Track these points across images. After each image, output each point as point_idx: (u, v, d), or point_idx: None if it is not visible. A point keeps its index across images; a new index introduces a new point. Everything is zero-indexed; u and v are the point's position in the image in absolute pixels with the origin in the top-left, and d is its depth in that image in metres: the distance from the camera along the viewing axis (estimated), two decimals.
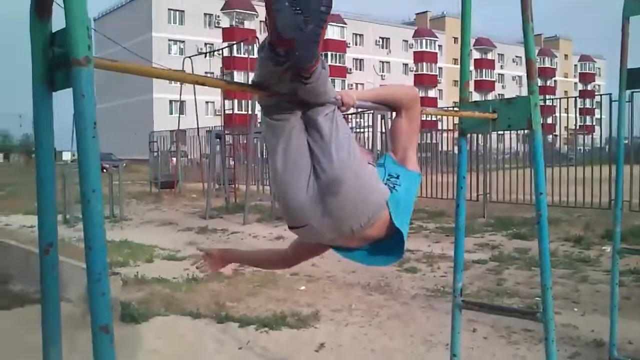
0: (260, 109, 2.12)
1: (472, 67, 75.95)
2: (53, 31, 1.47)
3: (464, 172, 2.93)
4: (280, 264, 2.90)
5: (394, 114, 2.49)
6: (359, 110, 13.15)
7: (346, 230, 2.13)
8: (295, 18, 1.79)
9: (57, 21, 1.47)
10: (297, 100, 2.02)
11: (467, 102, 2.89)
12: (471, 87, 74.04)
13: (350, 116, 16.25)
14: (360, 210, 2.09)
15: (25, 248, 6.34)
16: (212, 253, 2.82)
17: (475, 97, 68.53)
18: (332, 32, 63.76)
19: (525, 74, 2.73)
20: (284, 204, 2.12)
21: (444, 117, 16.82)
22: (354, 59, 67.58)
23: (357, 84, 62.09)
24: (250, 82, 2.06)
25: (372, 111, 11.70)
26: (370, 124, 13.75)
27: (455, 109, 3.01)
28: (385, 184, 2.25)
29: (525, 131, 2.83)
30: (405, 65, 72.59)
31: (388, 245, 2.26)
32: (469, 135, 11.24)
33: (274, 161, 2.08)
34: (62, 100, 1.73)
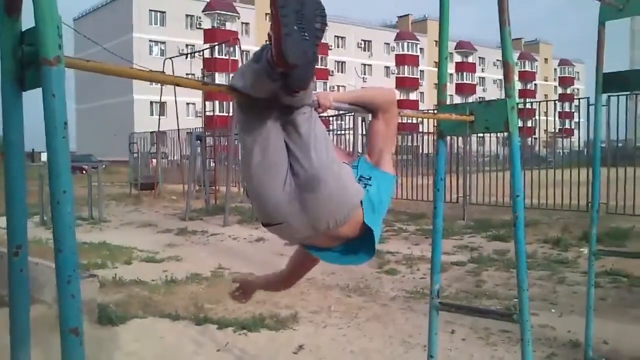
0: (236, 106, 2.11)
1: (453, 70, 76.43)
2: (23, 29, 1.45)
3: (442, 174, 2.95)
4: (280, 286, 2.97)
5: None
6: (340, 112, 13.17)
7: (322, 227, 2.13)
8: (302, 44, 1.78)
9: (28, 19, 1.45)
10: (275, 101, 2.02)
11: (445, 104, 2.91)
12: (452, 90, 74.51)
13: (331, 118, 16.27)
14: (336, 208, 2.09)
15: (0, 251, 6.26)
16: (242, 284, 2.97)
17: (457, 99, 68.95)
18: None
19: None
20: (260, 202, 2.11)
21: (425, 120, 16.89)
22: (335, 61, 67.66)
23: (338, 86, 62.18)
24: (229, 84, 2.04)
25: (352, 113, 11.71)
26: (352, 126, 13.77)
27: (434, 111, 3.02)
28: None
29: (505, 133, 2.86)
30: (387, 68, 72.86)
31: (360, 244, 2.27)
32: (448, 138, 11.29)
33: (250, 159, 2.06)
34: (40, 99, 1.70)
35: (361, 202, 2.19)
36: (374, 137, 2.44)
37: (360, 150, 12.63)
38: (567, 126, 43.33)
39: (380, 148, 2.41)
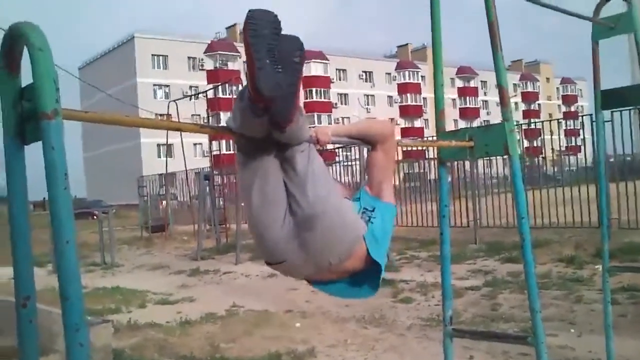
0: (236, 148, 2.14)
1: (455, 96, 76.75)
2: (22, 85, 1.49)
3: (446, 201, 2.95)
4: None
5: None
6: (347, 145, 13.23)
7: (324, 264, 2.13)
8: (276, 76, 1.82)
9: (27, 75, 1.49)
10: (272, 140, 2.04)
11: (444, 131, 2.93)
12: (456, 115, 74.76)
13: (338, 150, 16.34)
14: (336, 245, 2.10)
15: (13, 301, 6.25)
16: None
17: (461, 124, 69.13)
18: (315, 69, 64.44)
19: (511, 99, 2.78)
20: (260, 241, 2.13)
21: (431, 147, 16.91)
22: (338, 93, 68.14)
23: (342, 118, 62.52)
24: (225, 124, 2.08)
25: (357, 145, 11.76)
26: (358, 157, 13.82)
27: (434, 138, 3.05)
28: (361, 217, 2.26)
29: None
30: (390, 97, 73.26)
31: (365, 277, 2.26)
32: (455, 163, 11.21)
33: (249, 198, 2.09)
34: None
35: (364, 236, 2.20)
36: (373, 169, 2.46)
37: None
38: (574, 144, 43.28)
39: (379, 180, 2.43)
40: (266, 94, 1.79)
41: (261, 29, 1.82)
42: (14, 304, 1.53)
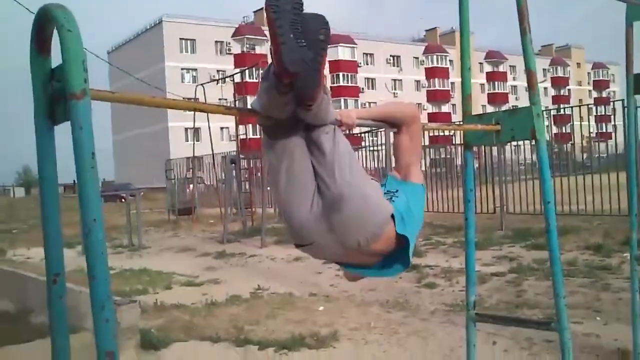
0: (261, 130, 2.15)
1: (484, 80, 75.85)
2: (52, 67, 1.52)
3: (471, 185, 2.93)
4: None
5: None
6: (372, 129, 13.18)
7: (352, 245, 2.13)
8: (300, 50, 1.83)
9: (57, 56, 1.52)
10: (298, 121, 2.05)
11: (470, 115, 2.91)
12: (485, 101, 73.89)
13: (364, 134, 16.30)
14: (365, 225, 2.10)
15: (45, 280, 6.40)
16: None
17: (490, 109, 68.32)
18: (342, 53, 64.15)
19: (540, 84, 2.74)
20: (289, 223, 2.14)
21: (458, 132, 16.78)
22: (365, 78, 67.80)
23: (369, 102, 62.24)
24: (250, 107, 2.09)
25: (383, 129, 11.72)
26: (384, 142, 13.77)
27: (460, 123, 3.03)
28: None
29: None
30: (417, 81, 72.66)
31: (396, 256, 2.26)
32: (482, 149, 11.10)
33: (277, 181, 2.10)
34: None
35: (392, 215, 2.19)
36: (399, 152, 2.45)
37: (393, 166, 12.61)
38: (605, 130, 42.55)
39: (407, 162, 2.42)
40: (290, 68, 1.80)
41: (283, 5, 1.83)
42: (44, 283, 1.58)
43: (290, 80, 1.87)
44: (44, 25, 1.45)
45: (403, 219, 2.20)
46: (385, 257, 2.26)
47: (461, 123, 2.97)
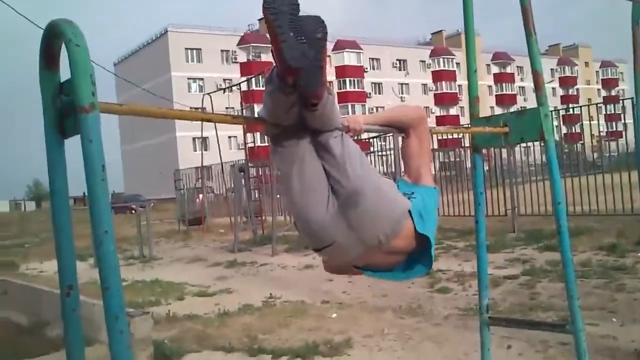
0: (269, 139, 2.15)
1: (492, 82, 75.70)
2: (61, 81, 1.53)
3: (481, 188, 2.93)
4: None
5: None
6: (380, 133, 13.17)
7: (373, 242, 2.12)
8: (300, 47, 1.85)
9: (65, 70, 1.53)
10: (304, 127, 2.06)
11: (477, 117, 2.90)
12: (492, 102, 73.72)
13: (373, 140, 16.29)
14: (383, 219, 2.10)
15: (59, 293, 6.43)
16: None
17: (498, 111, 68.10)
18: (349, 58, 64.24)
19: (548, 85, 2.73)
20: (306, 227, 2.14)
21: (466, 135, 16.75)
22: (372, 83, 67.85)
23: (377, 107, 62.24)
24: (257, 115, 2.09)
25: (391, 134, 11.71)
26: (393, 146, 13.76)
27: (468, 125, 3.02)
28: None
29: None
30: (424, 85, 72.60)
31: (417, 257, 2.25)
32: (492, 151, 11.04)
33: (290, 187, 2.10)
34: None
35: (410, 211, 2.19)
36: (408, 156, 2.45)
37: (402, 171, 12.59)
38: (615, 129, 42.32)
39: (417, 165, 2.42)
40: (293, 64, 1.82)
41: (280, 6, 1.86)
42: (59, 296, 1.58)
43: (294, 78, 1.89)
44: (52, 40, 1.46)
45: (422, 217, 2.20)
46: (407, 257, 2.26)
47: (469, 126, 2.97)
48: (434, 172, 17.39)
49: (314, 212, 2.08)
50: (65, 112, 1.49)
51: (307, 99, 1.96)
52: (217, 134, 18.77)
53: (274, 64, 1.93)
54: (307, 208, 2.09)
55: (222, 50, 59.76)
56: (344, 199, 2.06)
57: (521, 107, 70.86)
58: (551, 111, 2.84)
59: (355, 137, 2.27)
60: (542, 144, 2.75)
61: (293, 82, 1.90)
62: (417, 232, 2.19)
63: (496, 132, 2.79)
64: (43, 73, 1.53)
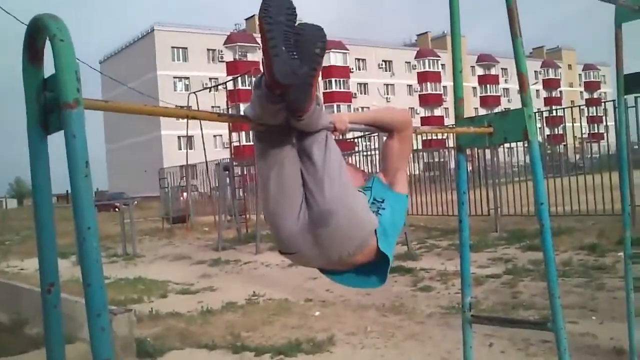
0: (254, 135, 2.15)
1: (476, 84, 76.13)
2: (45, 76, 1.52)
3: (464, 188, 2.94)
4: None
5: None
6: (366, 133, 13.20)
7: (334, 258, 2.16)
8: (291, 63, 1.82)
9: (49, 66, 1.52)
10: (290, 128, 2.05)
11: (462, 118, 2.92)
12: (477, 104, 74.16)
13: (358, 139, 16.32)
14: (349, 240, 2.12)
15: (40, 291, 6.37)
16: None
17: (482, 112, 68.48)
18: (335, 58, 64.28)
19: (532, 87, 2.76)
20: (275, 231, 2.15)
21: (451, 135, 16.84)
22: (358, 83, 67.96)
23: (362, 107, 62.35)
24: (243, 113, 2.09)
25: (377, 134, 11.75)
26: (377, 146, 13.80)
27: (452, 126, 3.03)
28: (370, 208, 2.27)
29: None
30: (410, 86, 72.85)
31: (373, 267, 2.28)
32: (476, 151, 11.11)
33: (266, 188, 2.09)
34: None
35: (375, 231, 2.20)
36: (389, 157, 2.45)
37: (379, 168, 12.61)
38: (597, 131, 42.77)
39: (395, 167, 2.43)
40: (282, 81, 1.79)
41: (276, 16, 1.82)
42: (39, 294, 1.57)
43: (282, 91, 1.87)
44: (36, 35, 1.45)
45: (386, 234, 2.23)
46: (363, 265, 2.28)
47: (454, 126, 2.99)
48: (417, 173, 17.48)
49: (285, 219, 2.09)
50: (49, 108, 1.48)
51: (293, 111, 1.96)
52: (202, 132, 18.71)
53: (263, 71, 1.90)
54: (280, 214, 2.09)
55: (208, 49, 59.52)
56: (315, 216, 2.06)
57: (505, 108, 71.32)
58: (535, 113, 2.87)
59: (340, 136, 2.27)
60: (526, 145, 2.77)
61: (280, 94, 1.89)
62: (379, 249, 2.21)
63: (480, 132, 2.81)
64: (26, 68, 1.52)
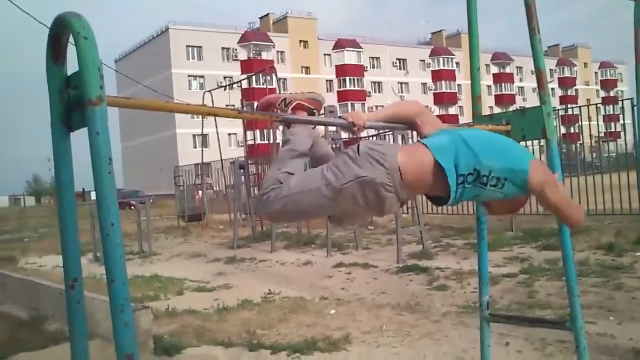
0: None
1: (491, 82, 75.72)
2: (68, 74, 1.54)
3: None
4: None
5: (414, 134, 2.55)
6: (380, 131, 13.17)
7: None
8: None
9: (72, 63, 1.54)
10: None
11: (480, 115, 2.91)
12: (492, 102, 73.75)
13: (373, 138, 16.27)
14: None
15: (59, 287, 6.44)
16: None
17: (496, 110, 68.16)
18: (349, 57, 64.27)
19: (548, 85, 2.74)
20: None
21: None
22: (372, 82, 67.89)
23: (376, 106, 62.24)
24: (266, 112, 2.10)
25: (391, 132, 11.73)
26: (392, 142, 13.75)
27: (470, 124, 3.02)
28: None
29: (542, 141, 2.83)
30: (424, 84, 72.64)
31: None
32: None
33: None
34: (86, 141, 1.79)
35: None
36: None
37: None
38: (614, 129, 42.37)
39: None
40: None
41: None
42: (58, 290, 1.59)
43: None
44: (60, 34, 1.47)
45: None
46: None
47: (471, 124, 2.98)
48: None
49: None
50: (72, 105, 1.50)
51: None
52: (217, 131, 18.77)
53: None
54: None
55: (222, 48, 59.72)
56: None
57: (520, 107, 70.81)
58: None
59: (359, 135, 2.29)
60: (541, 143, 2.76)
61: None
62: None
63: (498, 130, 2.80)
64: (50, 66, 1.54)
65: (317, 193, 2.09)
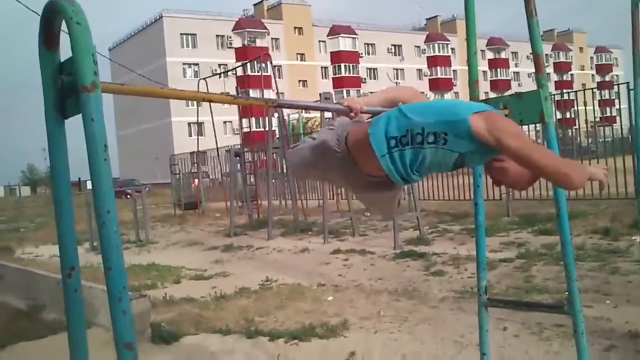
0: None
1: (486, 67, 75.60)
2: (61, 60, 1.52)
3: (480, 170, 2.93)
4: None
5: None
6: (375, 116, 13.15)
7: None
8: None
9: (65, 50, 1.52)
10: None
11: (477, 100, 2.90)
12: (487, 87, 73.68)
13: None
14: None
15: (56, 277, 6.43)
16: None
17: (492, 96, 67.96)
18: (344, 43, 64.05)
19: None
20: None
21: None
22: (367, 68, 67.69)
23: (372, 92, 61.96)
24: (262, 98, 2.09)
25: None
26: None
27: None
28: None
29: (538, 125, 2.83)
30: (419, 70, 72.49)
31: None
32: None
33: None
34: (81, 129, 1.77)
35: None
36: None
37: None
38: (609, 114, 42.36)
39: None
40: None
41: None
42: (55, 280, 1.58)
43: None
44: (52, 19, 1.44)
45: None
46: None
47: None
48: None
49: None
50: (66, 92, 1.48)
51: None
52: (212, 118, 18.70)
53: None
54: None
55: (217, 36, 59.42)
56: None
57: (515, 92, 70.69)
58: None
59: (355, 117, 2.29)
60: (538, 128, 2.75)
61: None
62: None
63: None
64: (43, 53, 1.52)
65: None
